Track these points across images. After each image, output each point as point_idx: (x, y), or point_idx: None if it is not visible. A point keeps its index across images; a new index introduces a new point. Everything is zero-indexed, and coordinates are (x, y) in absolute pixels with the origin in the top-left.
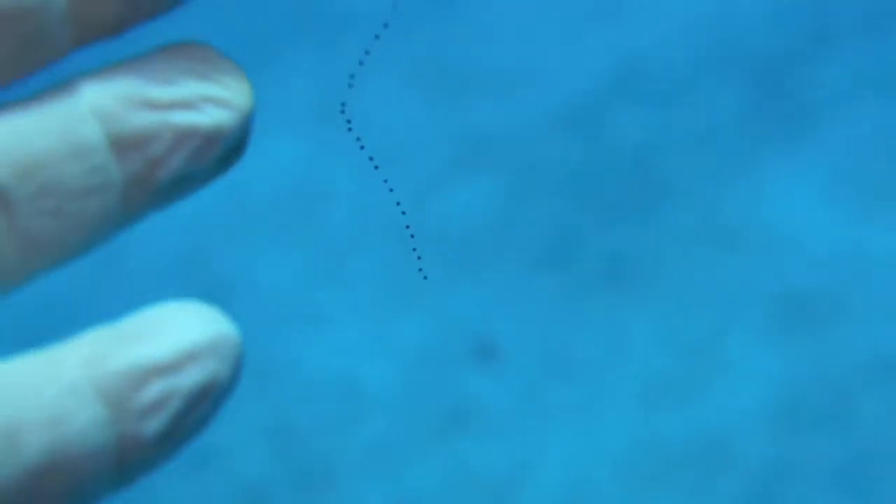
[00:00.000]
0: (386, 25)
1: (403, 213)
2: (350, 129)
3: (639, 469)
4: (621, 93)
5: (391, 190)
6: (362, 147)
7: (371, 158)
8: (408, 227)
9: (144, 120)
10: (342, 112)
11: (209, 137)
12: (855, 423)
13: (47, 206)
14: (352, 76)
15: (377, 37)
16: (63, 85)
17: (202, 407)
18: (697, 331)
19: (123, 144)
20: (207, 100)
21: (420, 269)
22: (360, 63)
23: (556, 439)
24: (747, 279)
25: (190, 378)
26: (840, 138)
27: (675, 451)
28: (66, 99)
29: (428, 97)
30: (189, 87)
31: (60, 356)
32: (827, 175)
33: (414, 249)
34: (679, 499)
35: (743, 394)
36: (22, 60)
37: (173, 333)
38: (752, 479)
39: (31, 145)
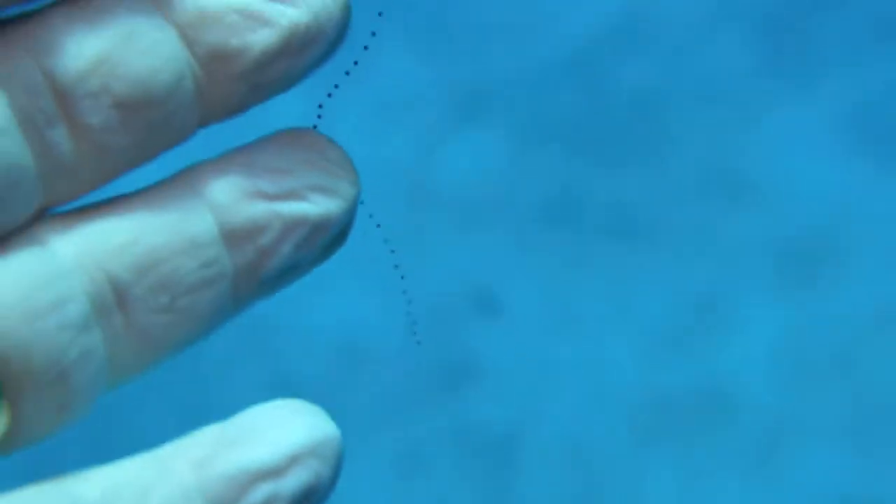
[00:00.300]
0: None
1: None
2: (319, 118)
3: (643, 423)
4: (627, 43)
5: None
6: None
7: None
8: (371, 215)
9: (256, 211)
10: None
11: (317, 226)
12: (861, 375)
13: (162, 301)
14: (355, 63)
15: (380, 14)
16: (178, 176)
17: None
18: (704, 283)
19: (236, 236)
20: (316, 189)
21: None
22: (365, 48)
23: (559, 394)
24: (754, 231)
25: (294, 481)
26: (852, 89)
27: (679, 404)
28: (181, 192)
29: (428, 50)
30: (299, 177)
31: (169, 458)
32: (838, 126)
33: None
34: (684, 453)
35: (749, 346)
36: (150, 145)
37: (279, 435)
38: (757, 431)
39: (149, 241)
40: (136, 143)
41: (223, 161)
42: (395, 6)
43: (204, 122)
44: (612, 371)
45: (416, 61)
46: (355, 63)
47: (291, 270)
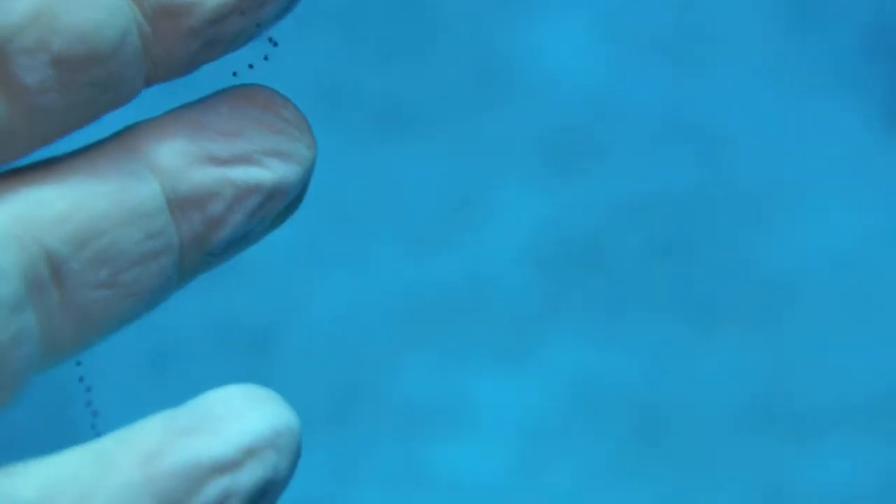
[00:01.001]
0: None
1: None
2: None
3: (405, 316)
4: None
5: None
6: None
7: None
8: None
9: (206, 177)
10: None
11: (271, 194)
12: (603, 263)
13: (101, 276)
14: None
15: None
16: (120, 138)
17: None
18: (468, 176)
19: (183, 204)
20: (271, 153)
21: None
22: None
23: (326, 286)
24: (517, 123)
25: (250, 476)
26: None
27: (440, 297)
28: (123, 156)
29: None
30: (252, 140)
31: (114, 452)
32: (599, 22)
33: None
34: (444, 345)
35: (509, 238)
36: (93, 105)
37: (234, 425)
38: (513, 321)
39: (89, 211)
40: (76, 104)
41: (169, 121)
42: None
43: (150, 81)
44: (377, 264)
45: None
46: (266, 58)
47: (241, 240)
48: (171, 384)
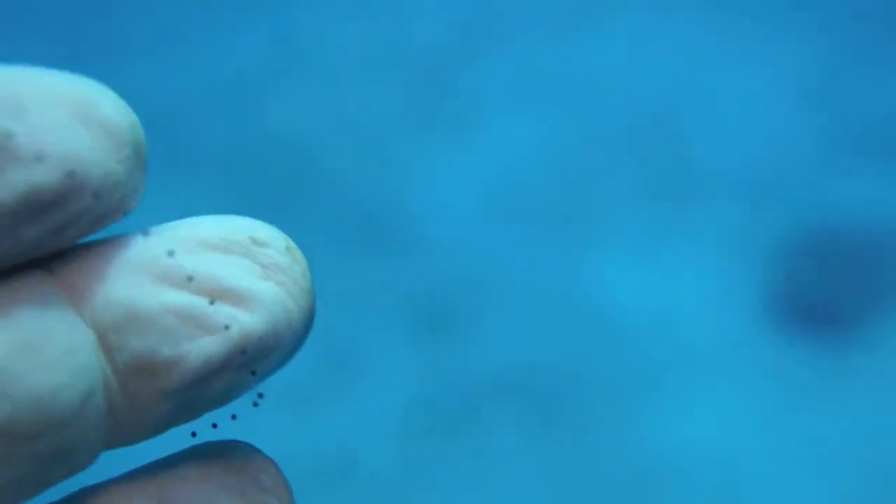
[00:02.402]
0: None
1: None
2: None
3: None
4: (280, 77)
5: None
6: None
7: None
8: None
9: None
10: None
11: None
12: (482, 436)
13: None
14: (233, 416)
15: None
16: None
17: None
18: (343, 334)
19: None
20: None
21: None
22: (255, 404)
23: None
24: (394, 281)
25: None
26: (497, 144)
27: (306, 460)
28: None
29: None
30: None
31: None
32: (480, 181)
33: None
34: None
35: (379, 402)
36: (38, 479)
37: None
38: (379, 489)
39: None
40: (17, 480)
41: (131, 489)
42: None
43: (110, 447)
44: (252, 426)
45: None
46: (233, 417)
47: None
48: None
